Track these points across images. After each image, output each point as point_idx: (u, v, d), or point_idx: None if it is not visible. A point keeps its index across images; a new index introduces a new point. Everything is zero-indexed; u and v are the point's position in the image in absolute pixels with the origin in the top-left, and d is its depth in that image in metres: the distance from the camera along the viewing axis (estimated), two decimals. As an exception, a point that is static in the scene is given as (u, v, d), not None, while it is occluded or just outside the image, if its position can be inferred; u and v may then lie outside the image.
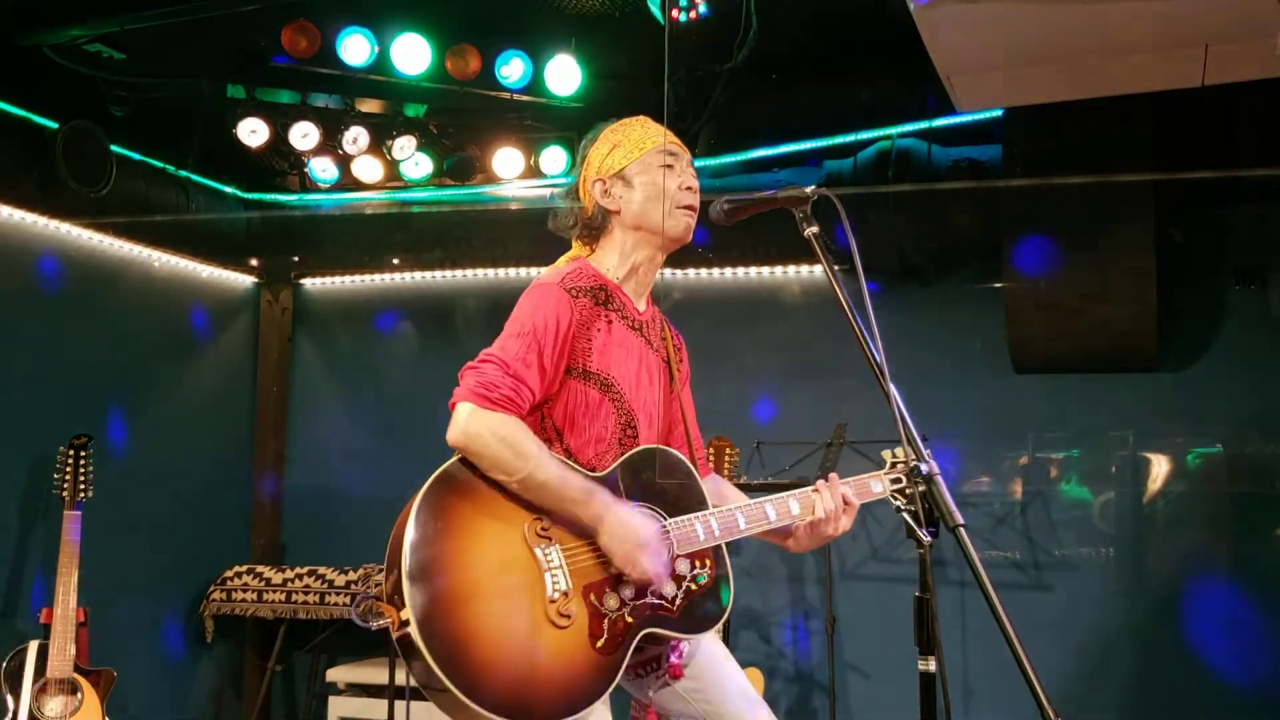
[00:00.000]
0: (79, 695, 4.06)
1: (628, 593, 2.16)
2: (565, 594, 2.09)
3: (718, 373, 5.03)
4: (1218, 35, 3.36)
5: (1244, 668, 4.40)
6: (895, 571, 4.83)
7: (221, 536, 5.62)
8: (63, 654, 4.03)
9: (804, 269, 5.14)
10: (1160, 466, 4.63)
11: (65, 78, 4.35)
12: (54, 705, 4.00)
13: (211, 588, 5.34)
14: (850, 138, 4.74)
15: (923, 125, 4.59)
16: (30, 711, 3.94)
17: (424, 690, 2.05)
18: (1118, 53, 3.54)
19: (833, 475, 2.41)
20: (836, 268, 2.06)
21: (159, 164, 4.91)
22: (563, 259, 2.50)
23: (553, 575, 2.10)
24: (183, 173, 5.02)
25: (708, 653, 2.38)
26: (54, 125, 4.30)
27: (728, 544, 2.35)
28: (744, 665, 4.48)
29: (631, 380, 2.33)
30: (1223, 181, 4.18)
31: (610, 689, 2.10)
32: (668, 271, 2.70)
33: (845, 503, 2.38)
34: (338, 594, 5.17)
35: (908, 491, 2.14)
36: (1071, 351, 4.45)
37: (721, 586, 2.29)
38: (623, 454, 2.29)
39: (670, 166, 2.38)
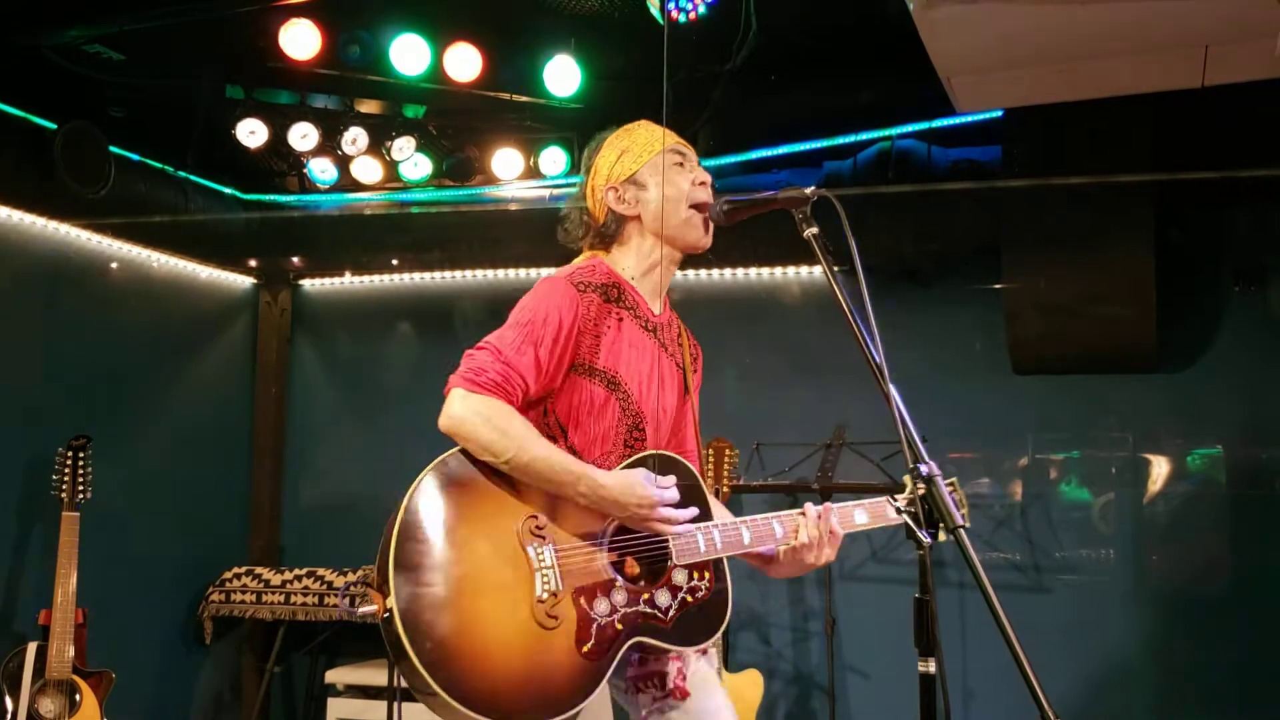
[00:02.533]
0: (77, 697, 4.05)
1: (619, 599, 2.13)
2: (555, 595, 2.06)
3: (717, 374, 5.02)
4: (1217, 36, 3.37)
5: (1243, 669, 4.40)
6: (895, 573, 4.83)
7: (220, 538, 5.62)
8: (61, 655, 4.02)
9: (803, 270, 5.13)
10: (1160, 467, 4.63)
11: (64, 78, 4.35)
12: (52, 706, 3.99)
13: (210, 589, 5.34)
14: (850, 138, 4.74)
15: (922, 126, 4.59)
16: (29, 713, 3.94)
17: (409, 687, 2.02)
18: (1117, 54, 3.54)
19: (827, 505, 2.31)
20: (836, 268, 2.06)
21: (158, 164, 4.91)
22: (579, 259, 2.46)
23: (544, 575, 2.07)
24: (181, 173, 5.01)
25: (704, 682, 2.31)
26: (53, 126, 4.29)
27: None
28: (743, 667, 4.50)
29: (643, 381, 2.30)
30: (1222, 183, 4.19)
31: (593, 695, 2.06)
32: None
33: (831, 531, 2.28)
34: (337, 595, 5.16)
35: (900, 495, 2.14)
36: (1071, 353, 4.45)
37: (719, 601, 2.23)
38: (628, 455, 2.26)
39: (681, 165, 2.37)
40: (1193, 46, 3.44)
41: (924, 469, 1.82)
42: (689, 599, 2.19)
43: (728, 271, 5.22)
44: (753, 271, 5.20)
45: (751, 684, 4.39)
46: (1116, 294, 4.23)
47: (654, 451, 2.30)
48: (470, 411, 2.08)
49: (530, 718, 1.98)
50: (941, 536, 2.16)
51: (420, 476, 2.06)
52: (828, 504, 2.31)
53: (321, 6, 4.22)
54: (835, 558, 2.32)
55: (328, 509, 5.76)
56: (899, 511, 2.20)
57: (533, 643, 2.02)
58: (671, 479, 2.21)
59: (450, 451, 2.12)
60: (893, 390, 1.90)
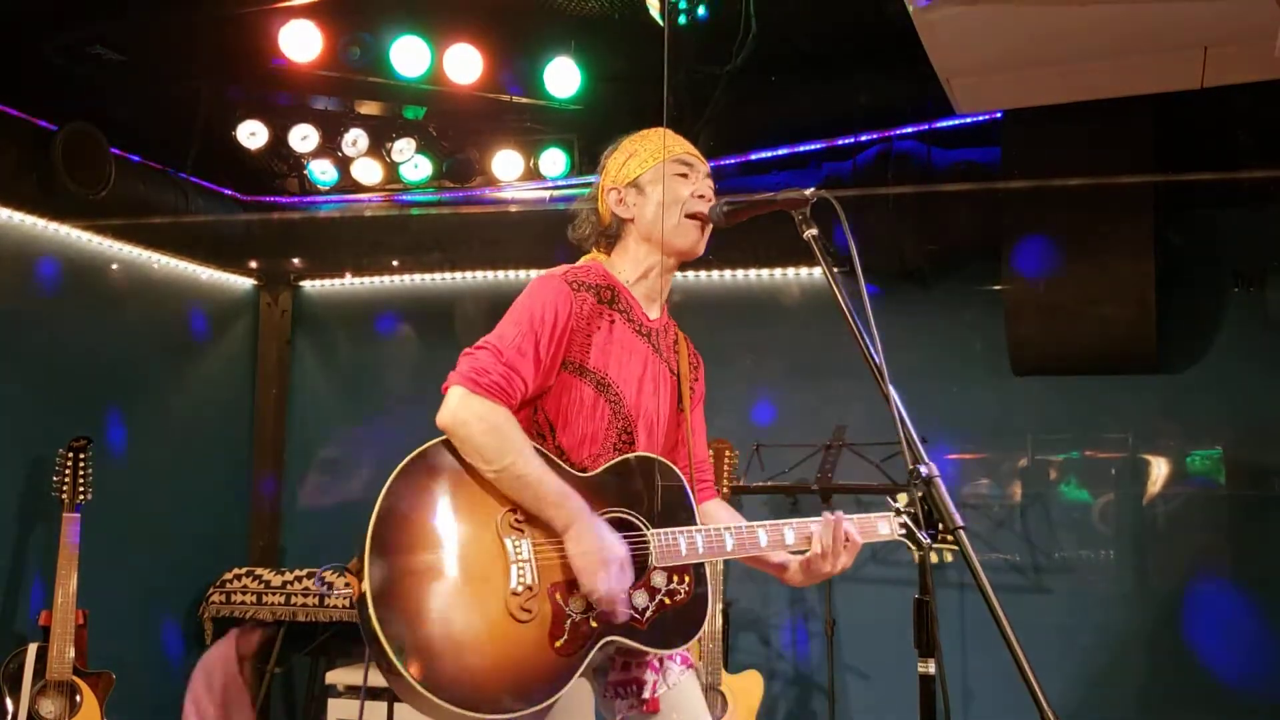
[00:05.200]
0: (78, 698, 4.05)
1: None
2: (530, 589, 2.06)
3: (717, 375, 5.02)
4: (1216, 37, 3.37)
5: (1244, 669, 4.40)
6: (895, 574, 4.83)
7: (221, 539, 5.62)
8: (62, 656, 4.02)
9: (803, 271, 5.14)
10: (1160, 468, 4.63)
11: (65, 80, 4.35)
12: (53, 707, 4.00)
13: (211, 590, 5.34)
14: (850, 140, 4.74)
15: (922, 127, 4.59)
16: (29, 713, 3.94)
17: (378, 669, 2.01)
18: (1117, 55, 3.55)
19: (838, 513, 2.30)
20: (836, 270, 2.06)
21: (158, 166, 4.91)
22: (581, 260, 2.49)
23: (519, 568, 2.07)
24: (182, 175, 5.02)
25: (687, 698, 2.30)
26: (54, 127, 4.30)
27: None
28: (743, 667, 4.50)
29: (633, 384, 2.30)
30: (1222, 183, 4.19)
31: (563, 691, 2.05)
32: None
33: (847, 539, 2.28)
34: (337, 596, 5.17)
35: (904, 500, 2.15)
36: (1071, 353, 4.46)
37: (698, 606, 2.21)
38: (616, 457, 2.26)
39: (684, 175, 2.38)
40: (1192, 47, 3.45)
41: (924, 470, 1.82)
42: (666, 601, 2.18)
43: (728, 273, 5.23)
44: (753, 273, 5.20)
45: (752, 684, 4.39)
46: (1116, 294, 4.23)
47: (646, 454, 2.29)
48: (470, 414, 2.09)
49: (497, 708, 1.97)
50: (935, 559, 2.16)
51: (404, 462, 2.08)
52: (838, 513, 2.30)
53: (322, 8, 4.23)
54: (850, 565, 2.31)
55: (328, 510, 5.76)
56: (898, 512, 2.24)
57: (505, 634, 2.02)
58: (629, 579, 2.15)
59: (436, 440, 2.12)
60: (892, 391, 1.90)
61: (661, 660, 2.27)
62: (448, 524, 2.07)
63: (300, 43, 4.26)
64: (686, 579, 2.21)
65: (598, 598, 2.08)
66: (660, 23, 3.93)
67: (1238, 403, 4.53)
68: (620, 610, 2.11)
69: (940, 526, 1.79)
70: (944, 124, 4.58)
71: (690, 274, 5.21)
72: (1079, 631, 4.60)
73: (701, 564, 2.24)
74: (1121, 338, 4.30)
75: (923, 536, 1.81)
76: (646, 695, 2.22)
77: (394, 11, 4.37)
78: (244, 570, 5.42)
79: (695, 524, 2.26)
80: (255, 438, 5.87)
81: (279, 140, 4.83)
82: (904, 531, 2.32)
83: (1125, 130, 4.09)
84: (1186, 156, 4.17)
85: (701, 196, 2.37)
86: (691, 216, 2.35)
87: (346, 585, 2.02)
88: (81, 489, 4.25)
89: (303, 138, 4.82)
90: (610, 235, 2.42)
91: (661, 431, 2.38)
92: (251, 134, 4.76)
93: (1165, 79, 3.68)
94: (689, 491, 2.30)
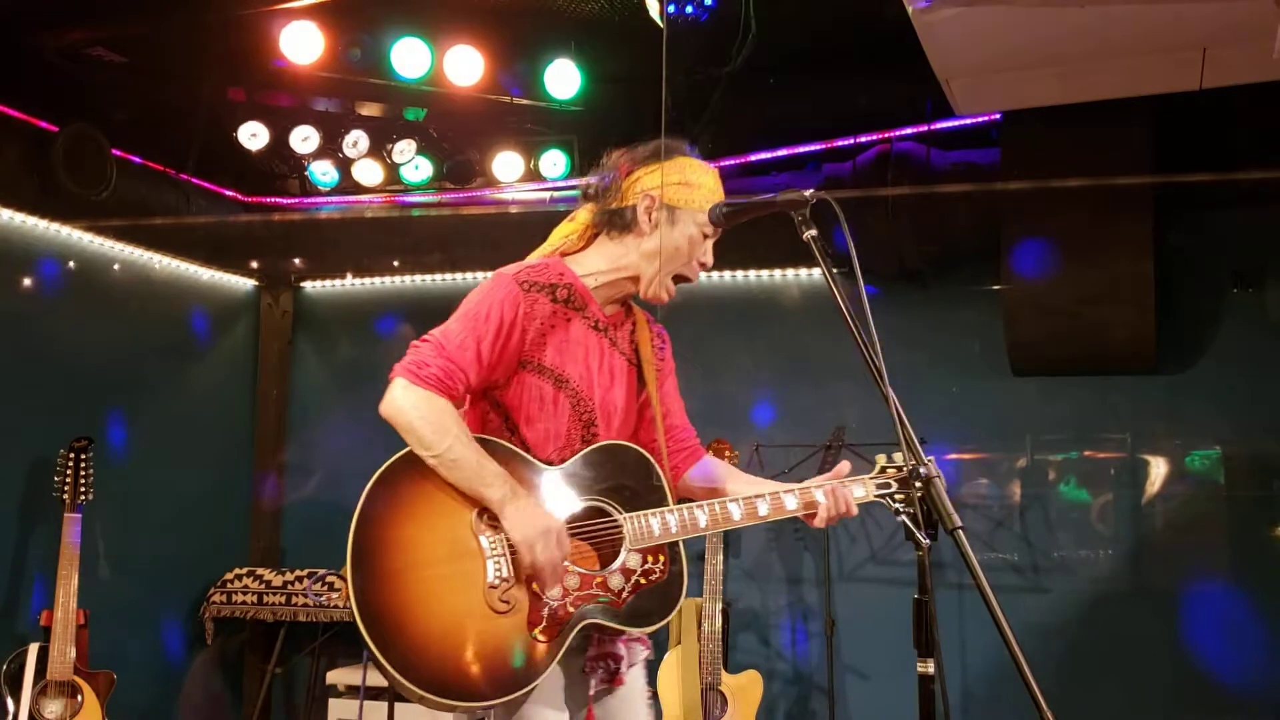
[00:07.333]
0: (79, 697, 4.06)
1: (572, 582, 2.18)
2: (506, 580, 2.13)
3: (717, 376, 5.04)
4: (1215, 38, 3.38)
5: (1242, 669, 4.40)
6: (894, 574, 4.84)
7: (222, 539, 5.62)
8: (63, 656, 4.03)
9: (803, 272, 5.14)
10: (1158, 469, 4.64)
11: (66, 81, 4.35)
12: (54, 707, 4.00)
13: (212, 590, 5.35)
14: (849, 141, 4.75)
15: (921, 128, 4.60)
16: (30, 714, 3.95)
17: (375, 667, 2.10)
18: (1116, 56, 3.55)
19: (833, 486, 2.30)
20: (835, 271, 2.07)
21: (159, 167, 4.91)
22: (548, 242, 2.50)
23: (495, 562, 2.13)
24: (183, 176, 5.02)
25: (636, 678, 2.37)
26: (54, 128, 4.30)
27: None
28: (743, 667, 4.51)
29: (592, 379, 2.33)
30: (1221, 184, 4.19)
31: (544, 674, 2.10)
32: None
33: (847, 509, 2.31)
34: (338, 599, 5.17)
35: (899, 497, 2.16)
36: (1070, 354, 4.46)
37: (674, 583, 2.25)
38: (585, 449, 2.30)
39: (706, 236, 2.39)
40: (1191, 49, 3.45)
41: (923, 470, 1.82)
42: (642, 581, 2.23)
43: (727, 274, 5.23)
44: (752, 274, 5.21)
45: (751, 684, 4.40)
46: (1115, 295, 4.23)
47: (612, 442, 2.33)
48: (408, 403, 2.16)
49: (481, 697, 2.05)
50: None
51: (379, 470, 2.18)
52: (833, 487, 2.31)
53: (323, 10, 4.23)
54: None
55: (329, 510, 5.76)
56: (898, 512, 2.25)
57: (485, 626, 2.09)
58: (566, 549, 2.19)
59: (408, 449, 2.19)
60: (891, 392, 1.91)
61: (629, 641, 2.32)
62: (424, 525, 2.15)
63: (301, 44, 4.26)
64: (662, 558, 2.25)
65: (535, 569, 2.13)
66: (660, 24, 3.93)
67: (1237, 403, 4.53)
68: (554, 580, 2.15)
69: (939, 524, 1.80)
70: (943, 125, 4.58)
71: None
72: (1077, 631, 4.61)
73: (677, 543, 2.27)
74: (1120, 338, 4.30)
75: (922, 537, 1.82)
76: (617, 670, 2.28)
77: (394, 13, 4.37)
78: (245, 570, 5.43)
79: (667, 503, 2.29)
80: (256, 438, 5.88)
81: (280, 141, 4.83)
82: (883, 493, 2.32)
83: (1125, 130, 4.09)
84: (1186, 157, 4.18)
85: (701, 264, 2.40)
86: (679, 278, 2.39)
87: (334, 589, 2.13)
88: (82, 489, 4.25)
89: (303, 139, 4.83)
90: (616, 224, 2.39)
91: (621, 421, 2.41)
92: (252, 135, 4.77)
93: (1165, 79, 3.69)
94: (659, 472, 2.33)
